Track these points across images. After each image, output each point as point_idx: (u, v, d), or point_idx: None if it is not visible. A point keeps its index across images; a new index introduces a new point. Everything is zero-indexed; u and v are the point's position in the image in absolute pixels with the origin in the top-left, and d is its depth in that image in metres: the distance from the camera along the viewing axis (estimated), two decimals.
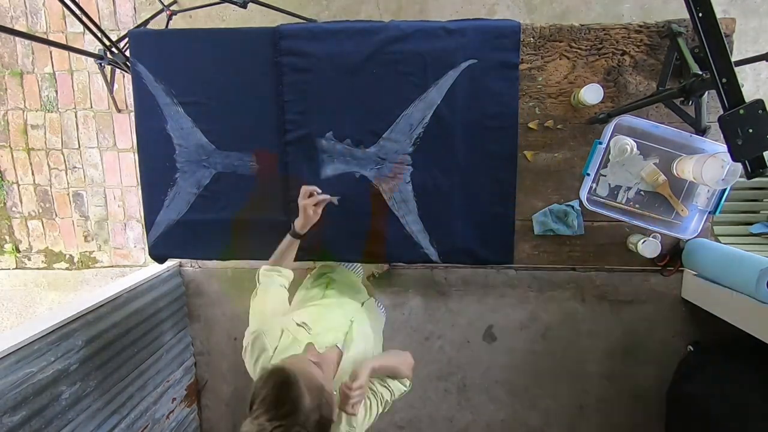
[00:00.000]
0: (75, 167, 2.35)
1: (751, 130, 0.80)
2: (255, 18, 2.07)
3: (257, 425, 0.69)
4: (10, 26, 2.06)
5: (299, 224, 1.18)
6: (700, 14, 0.82)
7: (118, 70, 2.03)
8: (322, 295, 1.27)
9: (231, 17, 2.17)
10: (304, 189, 1.17)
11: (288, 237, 1.20)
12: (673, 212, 1.29)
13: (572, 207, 1.32)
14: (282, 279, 1.18)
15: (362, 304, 1.29)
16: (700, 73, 1.06)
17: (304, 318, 1.04)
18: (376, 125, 1.32)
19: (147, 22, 1.99)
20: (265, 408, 0.71)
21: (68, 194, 2.37)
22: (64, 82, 2.28)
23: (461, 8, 2.11)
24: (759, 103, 0.78)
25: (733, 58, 0.83)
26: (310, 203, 1.15)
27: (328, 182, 1.35)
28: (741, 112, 0.80)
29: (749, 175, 0.84)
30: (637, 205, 1.29)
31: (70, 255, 2.44)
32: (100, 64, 1.87)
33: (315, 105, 1.33)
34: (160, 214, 1.43)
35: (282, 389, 0.73)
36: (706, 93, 1.01)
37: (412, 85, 1.29)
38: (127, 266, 2.41)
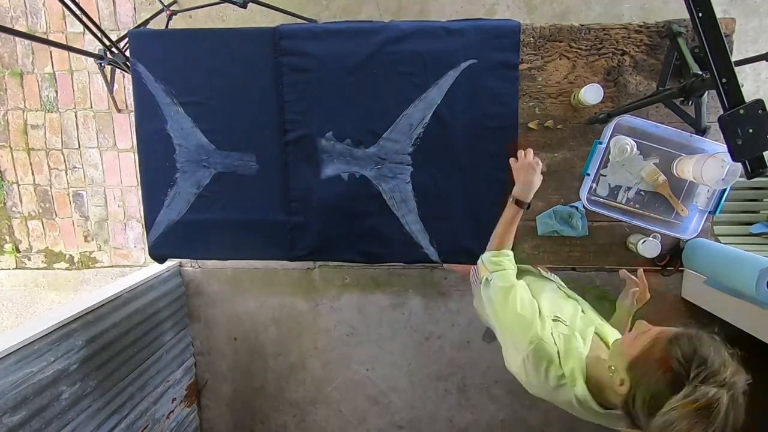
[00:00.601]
0: (75, 167, 2.35)
1: (751, 130, 0.80)
2: (255, 18, 2.07)
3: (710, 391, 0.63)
4: (10, 26, 2.06)
5: (520, 191, 1.06)
6: (700, 14, 0.82)
7: (118, 70, 2.03)
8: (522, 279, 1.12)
9: (231, 17, 2.17)
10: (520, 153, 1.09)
11: (510, 209, 1.06)
12: (673, 212, 1.29)
13: (576, 208, 1.32)
14: (513, 265, 1.03)
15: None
16: (700, 73, 1.06)
17: (550, 310, 0.92)
18: (376, 125, 1.32)
19: (147, 22, 1.99)
20: (710, 370, 0.64)
21: (68, 194, 2.37)
22: (64, 82, 2.28)
23: (461, 8, 2.11)
24: (759, 103, 0.78)
25: (733, 58, 0.83)
26: (533, 162, 1.05)
27: (328, 182, 1.36)
28: (741, 112, 0.80)
29: (749, 175, 0.84)
30: (637, 205, 1.29)
31: (70, 255, 2.44)
32: (100, 64, 1.87)
33: (315, 105, 1.33)
34: (160, 214, 1.43)
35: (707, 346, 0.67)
36: (706, 93, 1.01)
37: (412, 85, 1.29)
38: (127, 266, 2.41)
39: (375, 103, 1.31)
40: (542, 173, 1.11)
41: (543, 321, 0.87)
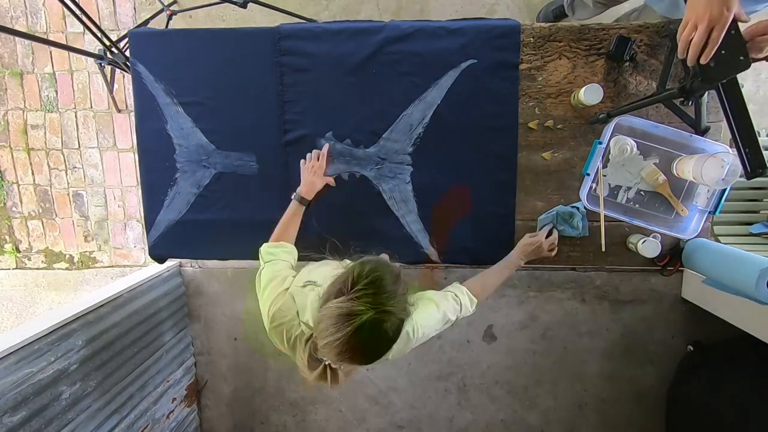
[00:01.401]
0: (75, 167, 2.35)
1: (723, 52, 0.79)
2: (255, 18, 2.07)
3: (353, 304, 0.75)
4: (10, 26, 2.06)
5: (304, 188, 1.20)
6: None
7: (118, 70, 2.03)
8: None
9: (231, 17, 2.17)
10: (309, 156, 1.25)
11: (292, 204, 1.19)
12: (673, 212, 1.29)
13: (577, 208, 1.32)
14: (286, 255, 1.11)
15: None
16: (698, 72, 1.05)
17: (304, 278, 1.01)
18: (376, 125, 1.32)
19: (147, 22, 1.99)
20: (373, 294, 0.77)
21: (68, 194, 2.37)
22: (64, 82, 2.28)
23: (461, 8, 2.11)
24: (732, 23, 0.78)
25: None
26: (313, 162, 1.20)
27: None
28: None
29: (749, 176, 0.83)
30: (637, 205, 1.29)
31: (70, 255, 2.44)
32: (100, 64, 1.87)
33: (315, 105, 1.33)
34: (160, 214, 1.43)
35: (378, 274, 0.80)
36: (706, 93, 1.01)
37: (412, 85, 1.30)
38: (127, 266, 2.41)
39: (375, 103, 1.31)
40: (330, 180, 1.31)
41: (283, 295, 0.97)
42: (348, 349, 0.74)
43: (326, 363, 0.84)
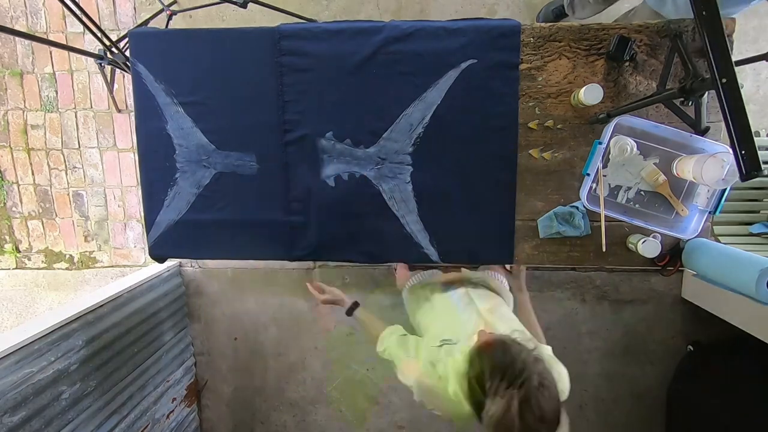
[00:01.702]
0: (75, 167, 2.35)
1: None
2: (255, 18, 2.07)
3: (504, 398, 0.72)
4: (10, 26, 2.06)
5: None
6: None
7: (118, 70, 2.02)
8: (426, 298, 1.31)
9: (231, 17, 2.17)
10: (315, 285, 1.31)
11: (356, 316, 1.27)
12: (673, 212, 1.29)
13: (577, 208, 1.32)
14: (394, 339, 1.14)
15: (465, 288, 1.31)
16: (701, 73, 1.06)
17: (437, 334, 1.03)
18: (376, 125, 1.32)
19: (147, 22, 1.99)
20: (500, 377, 0.74)
21: (68, 194, 2.37)
22: (64, 82, 2.28)
23: (461, 8, 2.11)
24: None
25: (734, 58, 0.83)
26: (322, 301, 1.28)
27: (328, 182, 1.36)
28: None
29: (743, 177, 0.83)
30: (637, 205, 1.29)
31: (70, 255, 2.44)
32: (100, 64, 1.87)
33: (315, 105, 1.33)
34: (160, 214, 1.43)
35: (498, 355, 0.78)
36: (706, 93, 1.01)
37: (412, 85, 1.29)
38: (127, 266, 2.41)
39: (375, 103, 1.31)
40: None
41: (421, 356, 0.98)
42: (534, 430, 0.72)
43: None
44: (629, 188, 1.29)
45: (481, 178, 1.33)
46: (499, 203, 1.34)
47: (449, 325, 1.06)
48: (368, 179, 1.35)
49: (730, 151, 0.83)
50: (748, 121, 0.83)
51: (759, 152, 0.81)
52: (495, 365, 0.76)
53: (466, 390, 0.81)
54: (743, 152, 0.82)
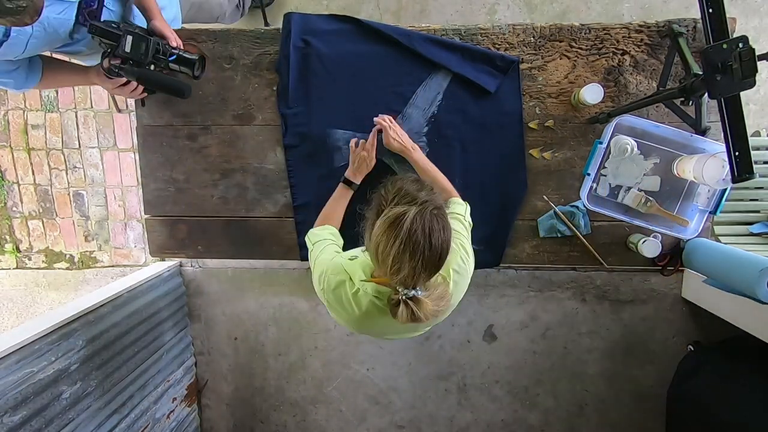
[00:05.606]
0: (75, 167, 2.35)
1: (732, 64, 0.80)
2: (255, 18, 2.07)
3: (402, 205, 0.78)
4: None
5: (351, 172, 1.19)
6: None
7: None
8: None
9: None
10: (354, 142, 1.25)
11: (340, 187, 1.19)
12: (673, 211, 1.29)
13: (577, 207, 1.32)
14: (333, 237, 1.10)
15: None
16: (701, 73, 1.06)
17: (348, 255, 1.02)
18: (390, 106, 1.33)
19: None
20: (405, 196, 0.80)
21: (68, 194, 2.37)
22: None
23: (461, 8, 2.11)
24: (742, 38, 0.78)
25: None
26: (363, 147, 1.20)
27: (344, 169, 1.34)
28: (724, 46, 0.79)
29: (735, 179, 0.83)
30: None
31: (71, 255, 2.44)
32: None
33: (324, 95, 1.33)
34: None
35: (408, 183, 0.84)
36: (707, 93, 1.01)
37: (421, 67, 1.31)
38: (128, 266, 2.41)
39: (387, 86, 1.32)
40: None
41: (334, 263, 0.97)
42: (415, 245, 0.74)
43: (403, 296, 0.78)
44: (629, 188, 1.29)
45: (489, 179, 1.34)
46: (503, 203, 1.34)
47: (357, 249, 1.05)
48: (385, 164, 1.34)
49: None
50: (744, 123, 0.83)
51: (759, 152, 0.81)
52: (402, 186, 0.83)
53: (368, 213, 0.85)
54: (737, 153, 0.82)
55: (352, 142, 1.25)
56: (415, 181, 0.85)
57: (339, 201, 1.18)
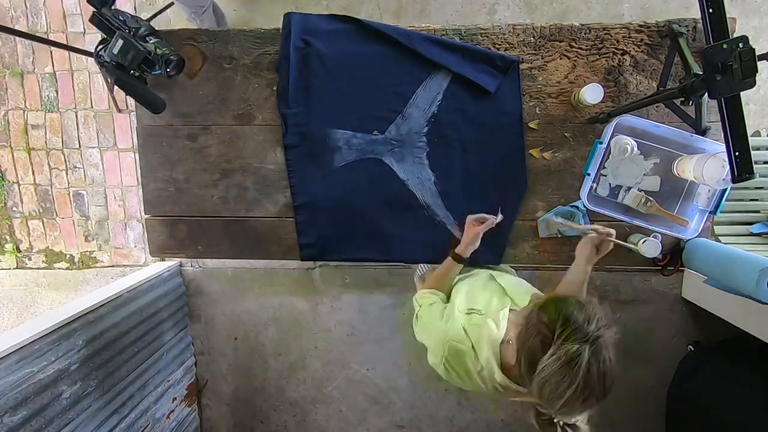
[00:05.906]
0: (75, 167, 2.35)
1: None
2: (256, 19, 2.07)
3: (575, 345, 0.70)
4: (10, 26, 2.06)
5: (462, 248, 1.16)
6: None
7: None
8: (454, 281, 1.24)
9: (231, 17, 2.17)
10: (472, 218, 1.19)
11: (449, 261, 1.17)
12: (674, 211, 1.29)
13: (577, 207, 1.32)
14: (440, 302, 1.10)
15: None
16: (701, 73, 1.06)
17: (464, 304, 1.00)
18: (391, 106, 1.32)
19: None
20: (573, 328, 0.72)
21: (69, 194, 2.37)
22: (65, 82, 2.28)
23: (461, 8, 2.11)
24: (742, 38, 0.78)
25: None
26: (481, 229, 1.15)
27: (345, 169, 1.35)
28: (724, 45, 0.79)
29: (735, 179, 0.83)
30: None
31: (71, 255, 2.44)
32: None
33: (324, 94, 1.33)
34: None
35: (573, 309, 0.75)
36: (706, 93, 1.01)
37: (421, 67, 1.31)
38: (128, 266, 2.41)
39: (387, 86, 1.32)
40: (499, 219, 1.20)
41: (454, 321, 0.94)
42: (590, 391, 0.71)
43: (562, 424, 0.78)
44: (630, 188, 1.29)
45: (488, 180, 1.34)
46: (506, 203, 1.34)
47: (474, 297, 1.02)
48: (384, 162, 1.34)
49: None
50: (744, 123, 0.83)
51: (759, 152, 0.81)
52: (569, 316, 0.74)
53: (523, 335, 0.78)
54: (737, 154, 0.82)
55: (470, 218, 1.20)
56: (580, 308, 0.76)
57: (448, 275, 1.17)
